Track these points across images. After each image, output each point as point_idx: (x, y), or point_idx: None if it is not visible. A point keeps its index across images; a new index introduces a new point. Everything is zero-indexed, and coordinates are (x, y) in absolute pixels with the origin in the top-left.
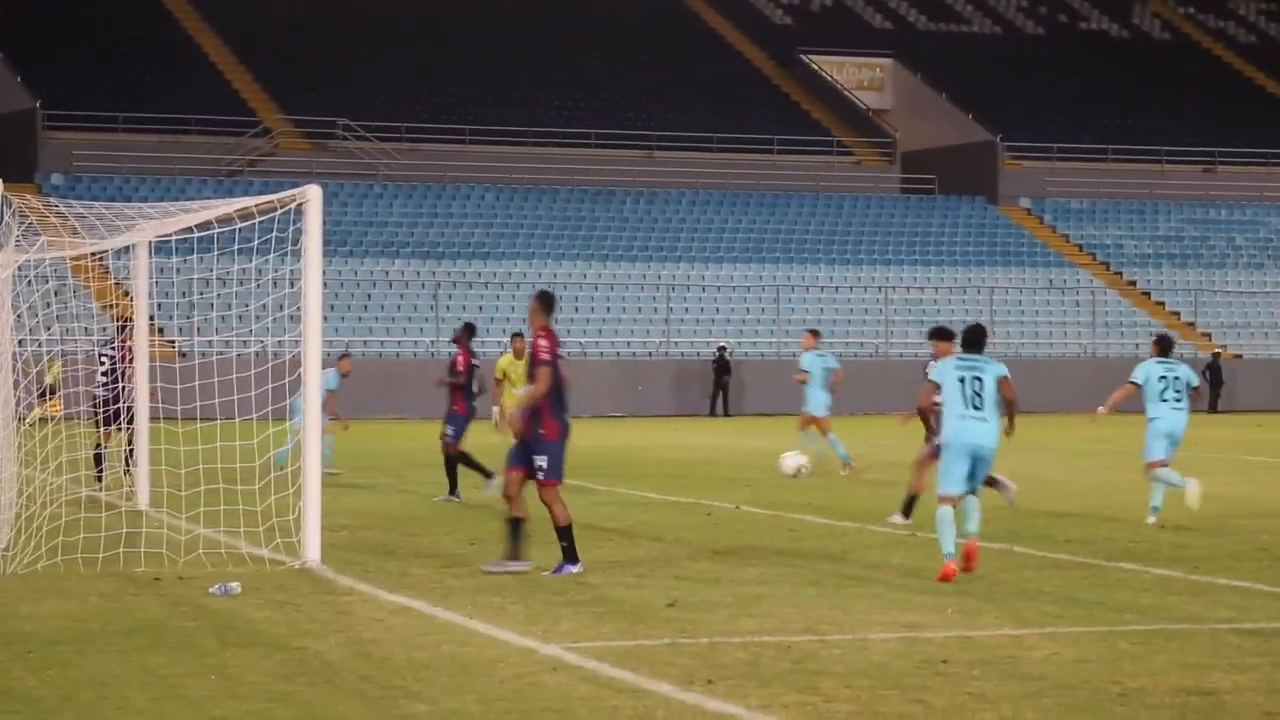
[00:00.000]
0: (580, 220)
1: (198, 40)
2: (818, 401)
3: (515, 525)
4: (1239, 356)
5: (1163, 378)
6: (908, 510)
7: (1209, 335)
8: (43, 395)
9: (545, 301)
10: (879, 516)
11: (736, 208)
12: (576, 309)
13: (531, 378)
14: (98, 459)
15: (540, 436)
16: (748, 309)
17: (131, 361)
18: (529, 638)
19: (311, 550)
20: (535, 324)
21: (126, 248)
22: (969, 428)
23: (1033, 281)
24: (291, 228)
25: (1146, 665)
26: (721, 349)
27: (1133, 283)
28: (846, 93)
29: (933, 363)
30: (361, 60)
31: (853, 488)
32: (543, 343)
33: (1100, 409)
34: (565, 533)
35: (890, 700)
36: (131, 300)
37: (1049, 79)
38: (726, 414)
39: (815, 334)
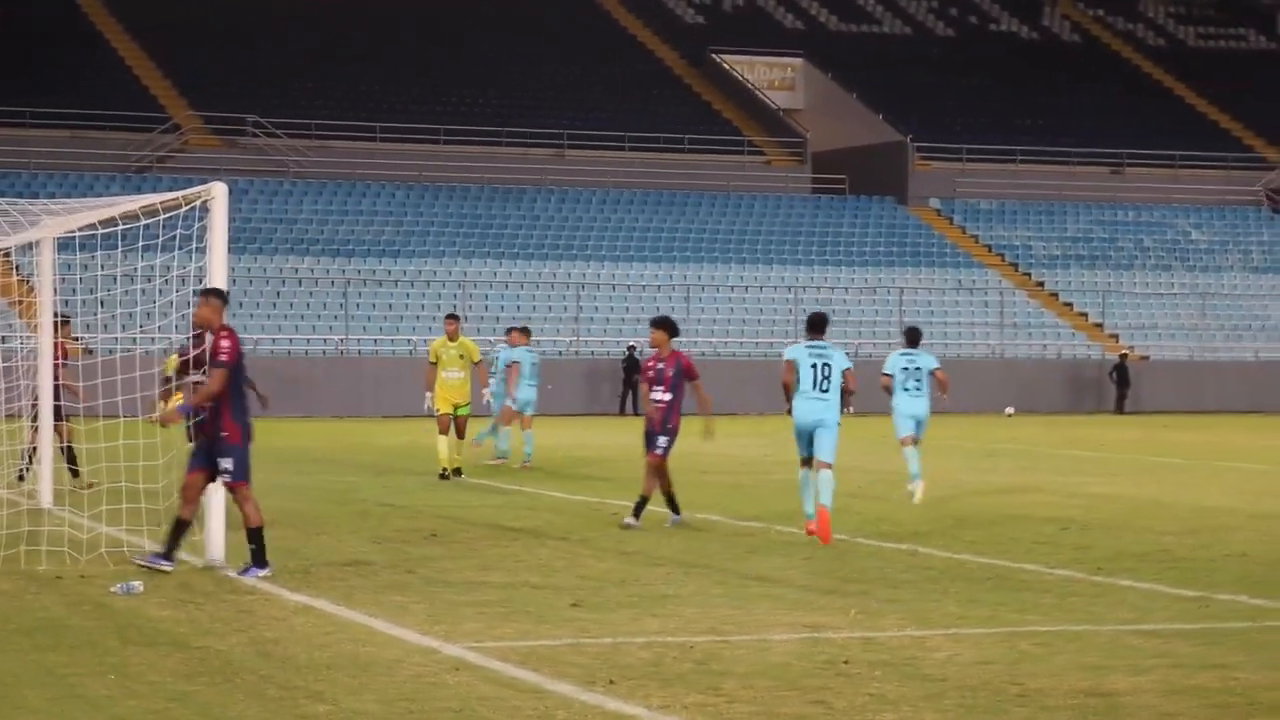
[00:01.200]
0: (491, 219)
1: (107, 36)
2: (519, 397)
3: (179, 526)
4: (1146, 358)
5: (904, 369)
6: (637, 511)
7: (1116, 336)
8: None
9: (223, 299)
10: (785, 518)
11: (647, 207)
12: (486, 307)
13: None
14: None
15: (223, 439)
16: (658, 308)
17: (65, 359)
18: (431, 637)
19: (215, 549)
20: (215, 324)
21: (31, 244)
22: (811, 405)
23: (942, 282)
24: (198, 224)
25: (1047, 666)
26: (631, 348)
27: (1041, 284)
28: (757, 92)
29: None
30: (272, 57)
31: (758, 488)
32: (224, 344)
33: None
34: (255, 535)
35: (791, 701)
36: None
37: (959, 80)
38: (636, 413)
39: (526, 331)
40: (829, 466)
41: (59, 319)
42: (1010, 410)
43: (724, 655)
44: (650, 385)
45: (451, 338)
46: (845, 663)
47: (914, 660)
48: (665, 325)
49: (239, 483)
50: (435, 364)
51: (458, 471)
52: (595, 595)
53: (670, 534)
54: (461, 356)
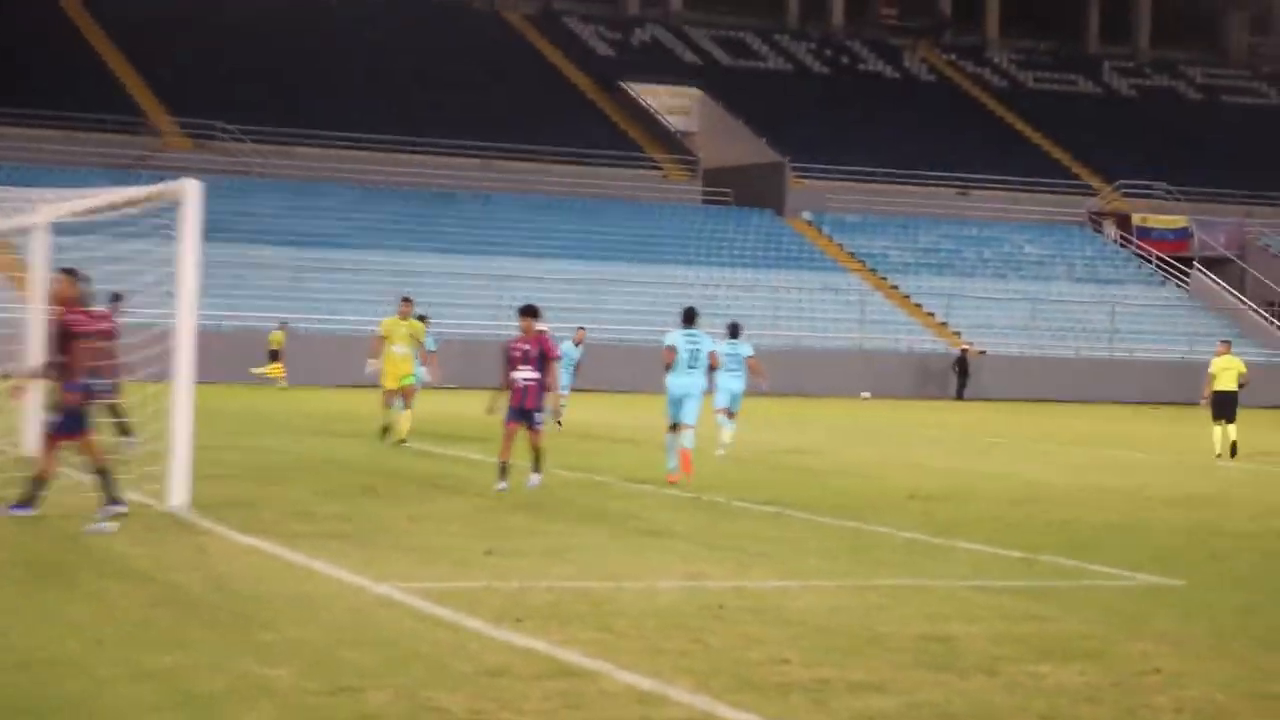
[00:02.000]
0: (426, 217)
1: (94, 45)
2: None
3: (100, 474)
4: (983, 353)
5: (688, 349)
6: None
7: (959, 334)
8: (274, 357)
9: (76, 278)
10: (670, 482)
11: (561, 211)
12: (420, 293)
13: (66, 351)
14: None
15: (64, 400)
16: (567, 299)
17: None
18: (364, 577)
19: (178, 496)
20: (66, 300)
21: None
22: (681, 380)
23: (812, 283)
24: (173, 216)
25: (893, 615)
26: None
27: (896, 287)
28: (659, 116)
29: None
30: (240, 70)
31: (651, 456)
32: (69, 318)
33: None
34: (102, 479)
35: (674, 639)
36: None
37: (832, 111)
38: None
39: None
40: (691, 428)
41: (111, 294)
42: (866, 394)
43: (617, 599)
44: (517, 365)
45: (403, 317)
46: (721, 607)
47: (779, 607)
48: (533, 313)
49: (61, 435)
50: (384, 338)
51: (401, 441)
52: (507, 544)
53: (573, 492)
54: (410, 334)
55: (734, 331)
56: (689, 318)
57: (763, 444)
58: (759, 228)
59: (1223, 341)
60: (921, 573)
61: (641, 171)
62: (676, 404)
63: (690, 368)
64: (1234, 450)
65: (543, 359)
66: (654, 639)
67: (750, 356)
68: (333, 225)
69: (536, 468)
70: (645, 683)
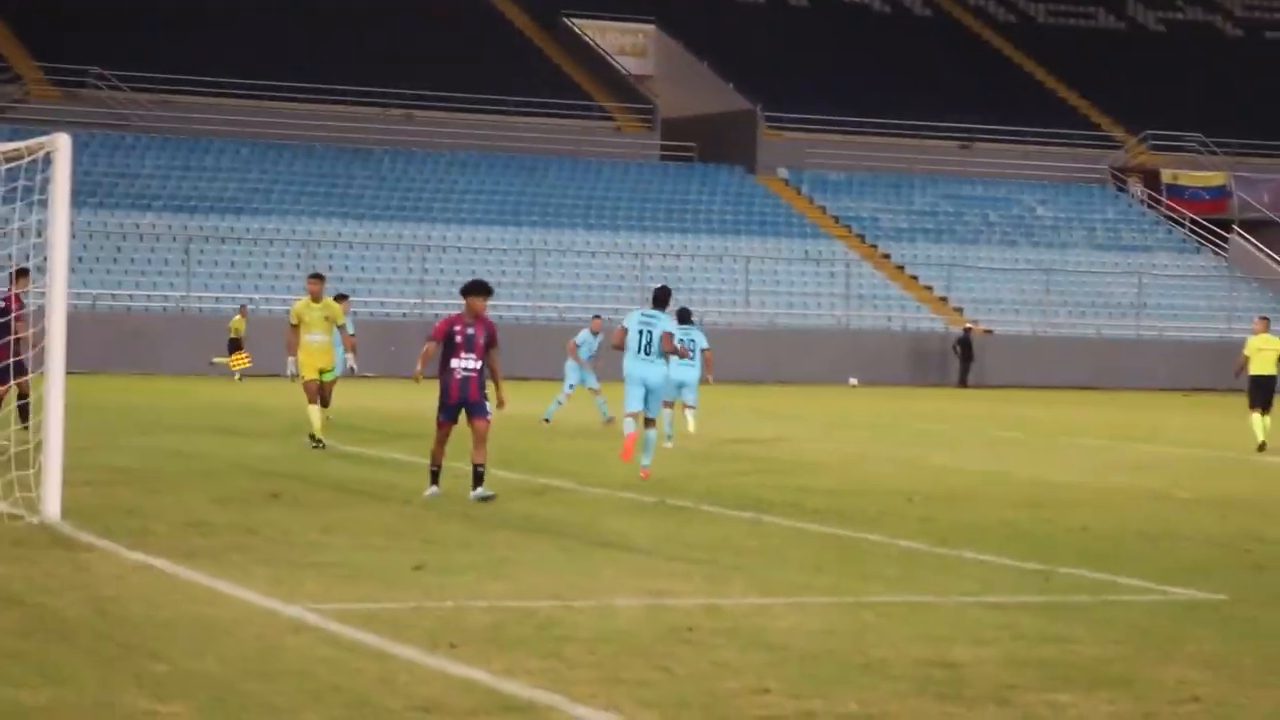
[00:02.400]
0: (337, 178)
1: None
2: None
3: None
4: (990, 332)
5: (639, 330)
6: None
7: (961, 310)
8: (235, 346)
9: None
10: (629, 484)
11: (495, 170)
12: (330, 267)
13: None
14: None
15: None
16: (504, 271)
17: (19, 315)
18: (273, 599)
19: (51, 506)
20: None
21: None
22: (636, 367)
23: (789, 252)
24: (39, 176)
25: (890, 637)
26: None
27: (887, 256)
28: (609, 58)
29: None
30: (116, 8)
31: (604, 453)
32: None
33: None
34: None
35: (634, 667)
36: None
37: (810, 51)
38: None
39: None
40: (654, 420)
41: (16, 270)
42: (854, 381)
43: (567, 620)
44: (459, 352)
45: (315, 299)
46: (689, 630)
47: (758, 628)
48: (486, 290)
49: None
50: (297, 326)
51: (320, 443)
52: (438, 558)
53: (515, 497)
54: (326, 319)
55: (683, 317)
56: (657, 300)
57: (735, 439)
58: (727, 187)
59: (1260, 318)
60: (922, 588)
61: (589, 123)
62: (635, 391)
63: (644, 353)
64: (1262, 445)
65: (489, 346)
66: (611, 667)
67: (706, 349)
68: (226, 188)
69: (480, 478)
70: (602, 718)
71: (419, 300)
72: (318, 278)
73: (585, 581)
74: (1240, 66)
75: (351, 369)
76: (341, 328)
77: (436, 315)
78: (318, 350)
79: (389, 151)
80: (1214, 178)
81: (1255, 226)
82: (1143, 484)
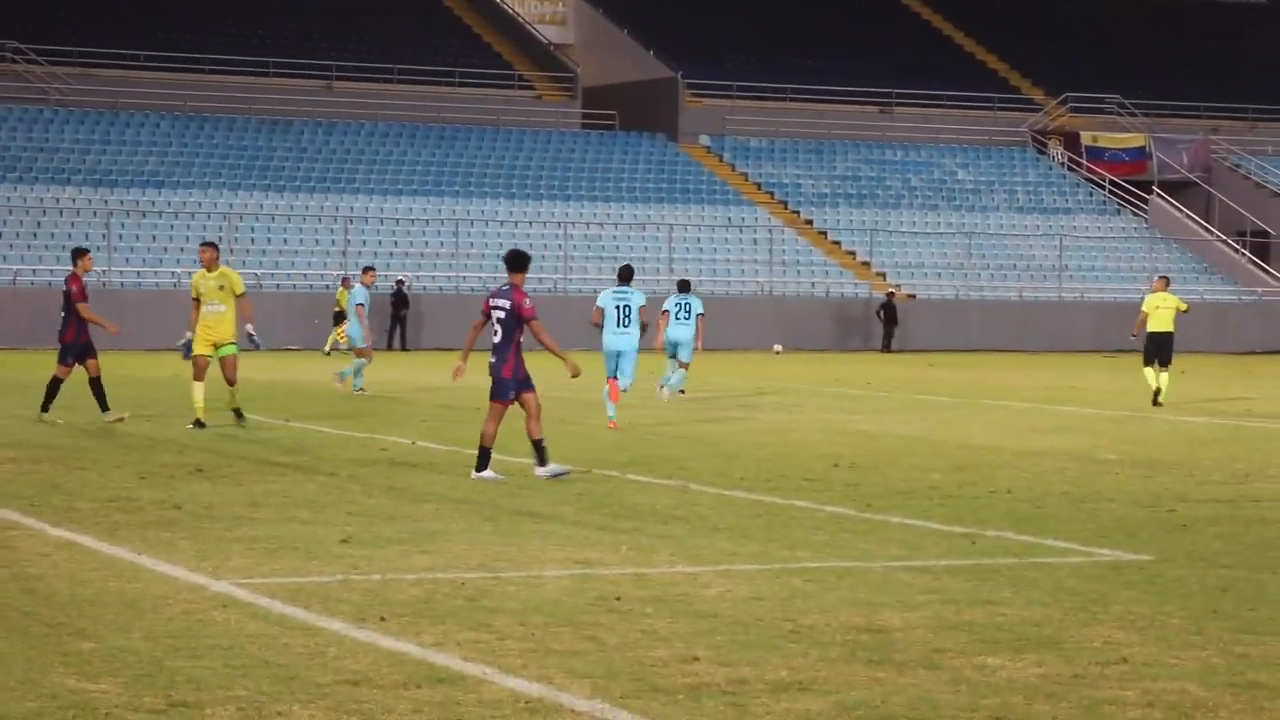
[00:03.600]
0: (257, 150)
1: None
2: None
3: None
4: (912, 296)
5: (616, 306)
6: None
7: (883, 275)
8: (337, 322)
9: None
10: (556, 455)
11: (416, 140)
12: (253, 240)
13: None
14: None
15: None
16: (426, 242)
17: (78, 297)
18: (199, 574)
19: None
20: None
21: None
22: (615, 338)
23: (711, 219)
24: None
25: (819, 602)
26: (400, 282)
27: (809, 221)
28: (528, 26)
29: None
30: None
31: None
32: None
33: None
34: None
35: (564, 637)
36: None
37: (730, 17)
38: (404, 348)
39: (369, 270)
40: (629, 382)
41: (74, 250)
42: (778, 348)
43: (495, 592)
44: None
45: (209, 267)
46: (617, 599)
47: (686, 596)
48: (526, 263)
49: None
50: (198, 300)
51: (239, 414)
52: (365, 531)
53: (442, 468)
54: (222, 288)
55: (623, 276)
56: (623, 277)
57: (661, 409)
58: (649, 155)
59: (1160, 277)
60: (849, 553)
61: (510, 92)
62: (612, 360)
63: (622, 325)
64: (1156, 398)
65: (519, 320)
66: (541, 637)
67: (700, 314)
68: (147, 161)
69: (544, 456)
70: (532, 688)
71: (341, 271)
72: (209, 246)
73: (513, 552)
74: (1158, 28)
75: (253, 341)
76: (241, 297)
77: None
78: (214, 322)
79: (309, 123)
80: (1133, 139)
81: (1174, 188)
82: (1066, 446)
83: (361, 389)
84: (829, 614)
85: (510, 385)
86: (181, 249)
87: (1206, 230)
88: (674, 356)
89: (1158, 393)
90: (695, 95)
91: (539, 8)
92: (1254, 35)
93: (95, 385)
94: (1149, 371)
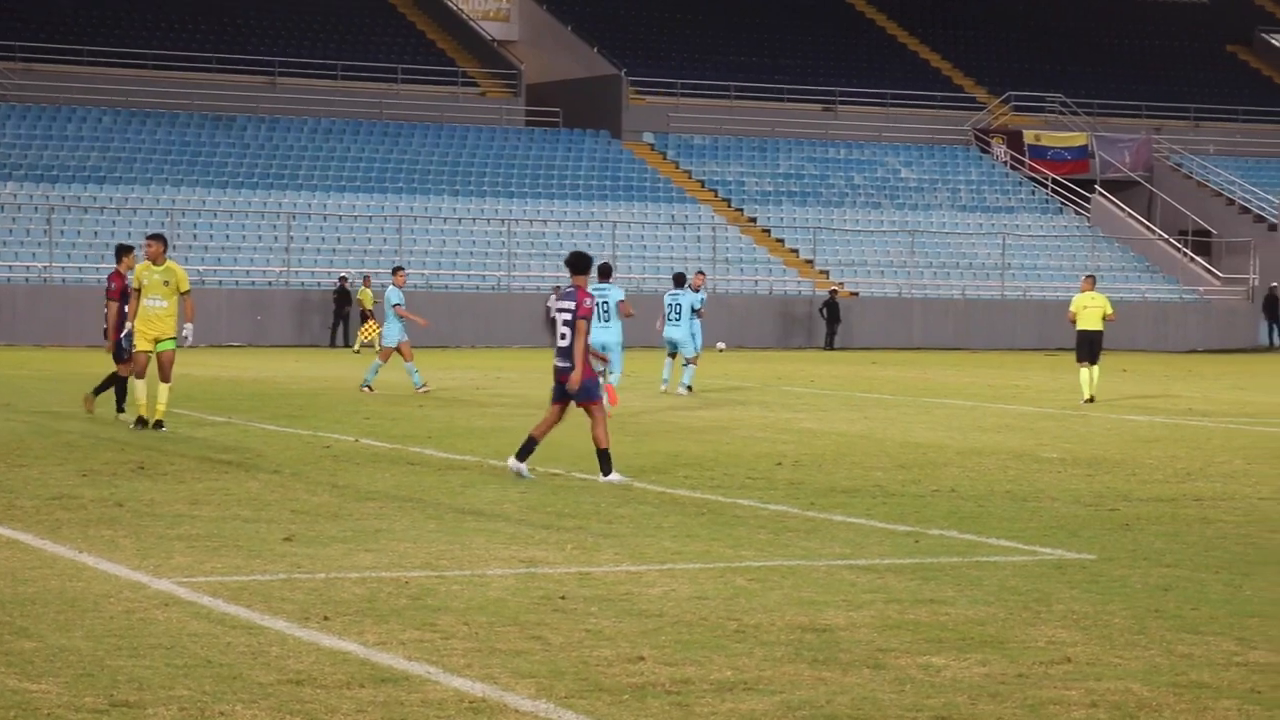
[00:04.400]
0: (200, 146)
1: None
2: (392, 332)
3: None
4: (855, 294)
5: (596, 303)
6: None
7: (826, 273)
8: (363, 320)
9: None
10: (499, 453)
11: (359, 137)
12: (195, 236)
13: None
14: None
15: None
16: (369, 239)
17: (113, 295)
18: (141, 572)
19: None
20: None
21: None
22: (597, 333)
23: (655, 217)
24: None
25: (763, 601)
26: (342, 279)
27: (753, 219)
28: (472, 23)
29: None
30: None
31: (473, 421)
32: None
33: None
34: None
35: (508, 636)
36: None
37: (674, 14)
38: (347, 345)
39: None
40: (615, 371)
41: (118, 248)
42: (721, 345)
43: (440, 590)
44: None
45: (155, 260)
46: (562, 598)
47: (630, 595)
48: (589, 266)
49: None
50: (139, 291)
51: (159, 424)
52: (308, 529)
53: (385, 466)
54: (166, 283)
55: (603, 272)
56: (603, 273)
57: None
58: (592, 152)
59: (1087, 277)
60: (793, 552)
61: (454, 89)
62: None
63: (602, 321)
64: (1091, 398)
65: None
66: (485, 637)
67: (622, 300)
68: (89, 156)
69: (608, 464)
70: (477, 688)
71: (284, 269)
72: (155, 238)
73: (457, 551)
74: (1100, 27)
75: (185, 339)
76: (186, 294)
77: (303, 284)
78: (154, 317)
79: (253, 119)
80: (1075, 138)
81: (1116, 187)
82: (1008, 444)
83: (369, 388)
84: (773, 613)
85: (596, 385)
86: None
87: (1148, 229)
88: (674, 355)
89: (1091, 399)
90: (639, 93)
91: (483, 4)
92: (1196, 35)
93: (118, 381)
94: (1083, 373)
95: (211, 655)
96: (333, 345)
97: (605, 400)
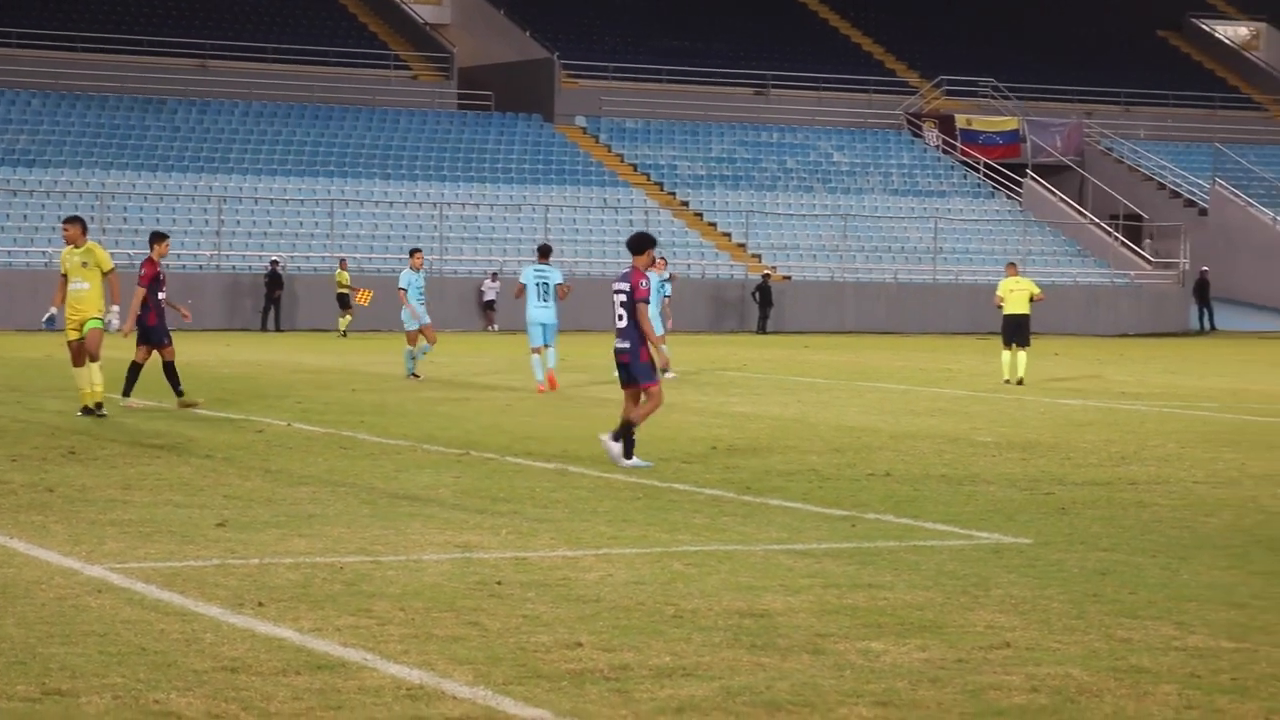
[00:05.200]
0: (130, 129)
1: None
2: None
3: None
4: (788, 278)
5: (536, 283)
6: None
7: (759, 257)
8: (342, 304)
9: None
10: (432, 436)
11: (291, 120)
12: (125, 219)
13: None
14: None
15: None
16: (301, 223)
17: (143, 282)
18: (72, 558)
19: None
20: None
21: None
22: (538, 311)
23: (587, 200)
24: None
25: (700, 586)
26: (274, 263)
27: (685, 203)
28: (404, 6)
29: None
30: None
31: (405, 405)
32: None
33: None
34: None
35: (445, 622)
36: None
37: None
38: (279, 329)
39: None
40: (551, 348)
41: (152, 234)
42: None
43: (375, 576)
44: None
45: (74, 243)
46: (498, 583)
47: (567, 581)
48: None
49: None
50: (65, 275)
51: (98, 407)
52: (241, 514)
53: (318, 451)
54: (86, 265)
55: (543, 253)
56: (543, 253)
57: (535, 392)
58: (525, 136)
59: (1010, 263)
60: (730, 537)
61: (385, 72)
62: (537, 330)
63: (542, 300)
64: (1013, 379)
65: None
66: (421, 623)
67: (560, 283)
68: (18, 140)
69: (630, 447)
70: (414, 675)
71: (215, 252)
72: (73, 221)
73: (392, 536)
74: (1032, 12)
75: (109, 324)
76: (109, 273)
77: (234, 268)
78: (78, 300)
79: (183, 102)
80: (1007, 123)
81: (1048, 171)
82: (942, 428)
83: (415, 374)
84: (711, 598)
85: (651, 368)
86: (53, 228)
87: (1079, 213)
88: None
89: (1020, 381)
90: (571, 76)
91: None
92: (1127, 20)
93: (169, 370)
94: (1006, 355)
95: (145, 642)
96: (264, 329)
97: (536, 365)
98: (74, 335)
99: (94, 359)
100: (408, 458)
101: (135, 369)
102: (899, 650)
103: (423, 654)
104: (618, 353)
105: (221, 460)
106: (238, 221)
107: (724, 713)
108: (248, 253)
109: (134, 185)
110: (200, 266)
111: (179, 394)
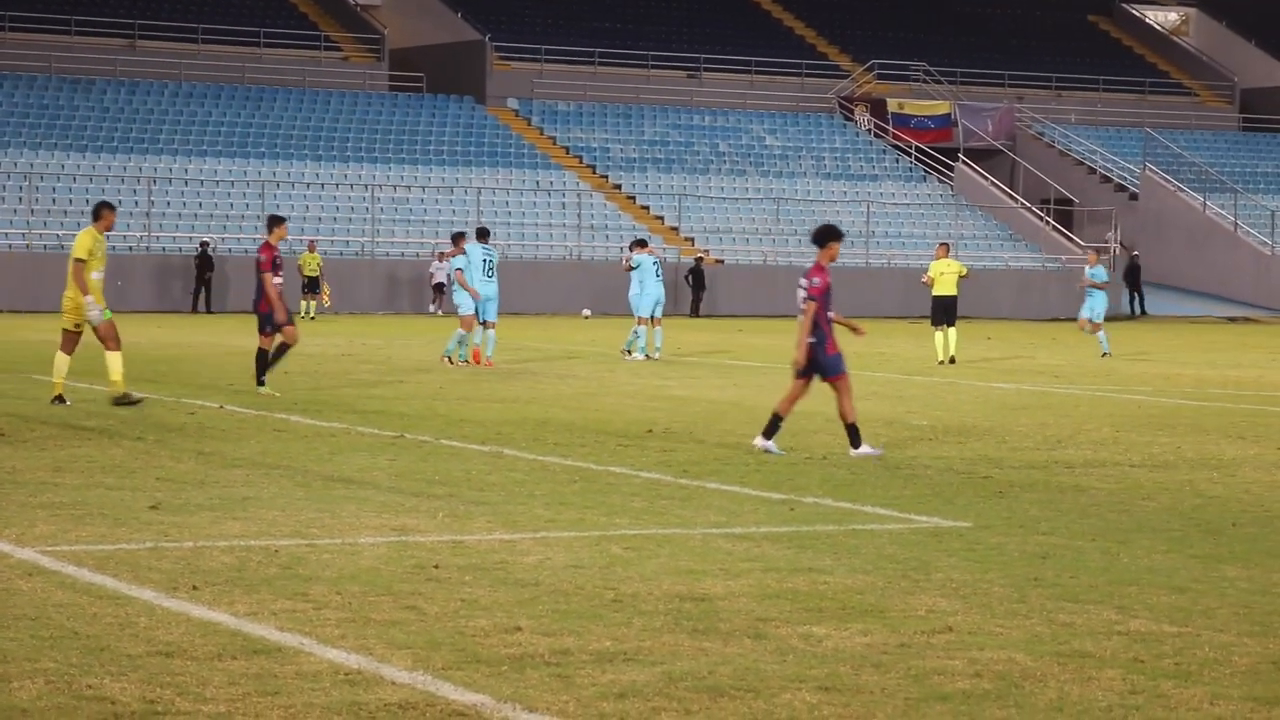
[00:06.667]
0: (59, 109)
1: None
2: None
3: None
4: (721, 261)
5: (484, 259)
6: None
7: (692, 240)
8: (308, 290)
9: None
10: (367, 419)
11: (221, 101)
12: (54, 201)
13: None
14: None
15: None
16: (231, 204)
17: (265, 267)
18: (3, 541)
19: None
20: None
21: None
22: (484, 286)
23: (519, 183)
24: None
25: (639, 570)
26: (204, 244)
27: (618, 186)
28: None
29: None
30: None
31: (339, 387)
32: None
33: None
34: None
35: (382, 606)
36: None
37: None
38: (209, 311)
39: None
40: (493, 325)
41: (270, 218)
42: (587, 312)
43: (310, 559)
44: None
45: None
46: (436, 567)
47: (505, 564)
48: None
49: None
50: (82, 262)
51: (124, 396)
52: (174, 497)
53: (250, 433)
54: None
55: (480, 234)
56: (482, 235)
57: (472, 374)
58: (456, 118)
59: (941, 244)
60: (668, 520)
61: (316, 53)
62: (481, 306)
63: (487, 275)
64: (945, 359)
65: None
66: (359, 607)
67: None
68: None
69: (857, 437)
70: (352, 659)
71: (145, 234)
72: (106, 205)
73: (327, 519)
74: None
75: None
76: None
77: (164, 249)
78: (94, 289)
79: (112, 82)
80: (938, 107)
81: (979, 155)
82: (878, 411)
83: (466, 360)
84: (650, 582)
85: (838, 360)
86: None
87: (1011, 198)
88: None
89: (952, 359)
90: (503, 58)
91: None
92: (1057, 5)
93: (261, 355)
94: (939, 336)
95: (78, 626)
96: (194, 311)
97: (483, 363)
98: (76, 322)
99: (118, 346)
100: (342, 440)
101: (264, 355)
102: (841, 635)
103: (360, 638)
104: (809, 347)
105: (154, 443)
106: (168, 203)
107: (666, 698)
108: (178, 234)
109: (62, 166)
110: (130, 248)
111: (260, 382)
